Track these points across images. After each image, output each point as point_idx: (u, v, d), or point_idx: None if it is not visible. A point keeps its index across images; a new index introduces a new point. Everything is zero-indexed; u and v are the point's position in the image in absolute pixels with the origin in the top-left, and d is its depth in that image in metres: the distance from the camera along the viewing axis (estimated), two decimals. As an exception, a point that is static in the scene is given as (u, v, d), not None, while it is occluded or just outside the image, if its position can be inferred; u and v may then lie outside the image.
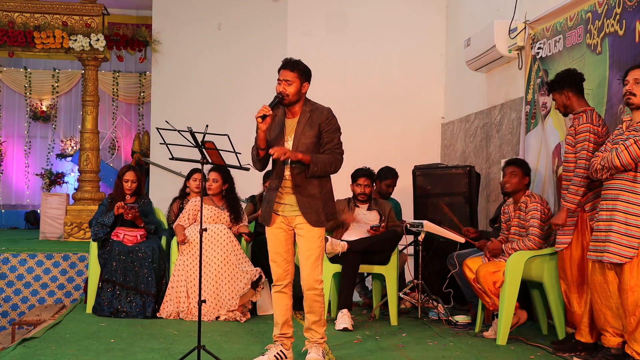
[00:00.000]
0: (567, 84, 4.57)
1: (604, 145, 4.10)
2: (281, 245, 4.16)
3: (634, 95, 3.98)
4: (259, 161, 4.20)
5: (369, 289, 6.63)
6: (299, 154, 4.01)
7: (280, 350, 4.15)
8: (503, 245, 5.04)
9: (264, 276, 5.80)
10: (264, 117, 3.99)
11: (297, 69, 4.09)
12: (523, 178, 5.16)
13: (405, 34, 8.60)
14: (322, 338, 4.18)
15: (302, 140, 4.07)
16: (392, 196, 6.86)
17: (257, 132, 4.14)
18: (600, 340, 4.40)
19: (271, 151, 4.02)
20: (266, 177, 6.55)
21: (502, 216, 5.34)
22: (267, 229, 4.21)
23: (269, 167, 6.36)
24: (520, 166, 5.19)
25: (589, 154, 4.31)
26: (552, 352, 4.60)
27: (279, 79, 4.12)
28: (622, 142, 3.93)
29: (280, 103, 4.11)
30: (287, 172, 4.10)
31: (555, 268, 4.85)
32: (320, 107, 4.17)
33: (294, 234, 4.18)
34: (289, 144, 4.10)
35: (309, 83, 4.16)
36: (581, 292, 4.51)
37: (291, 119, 4.15)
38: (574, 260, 4.50)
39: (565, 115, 4.72)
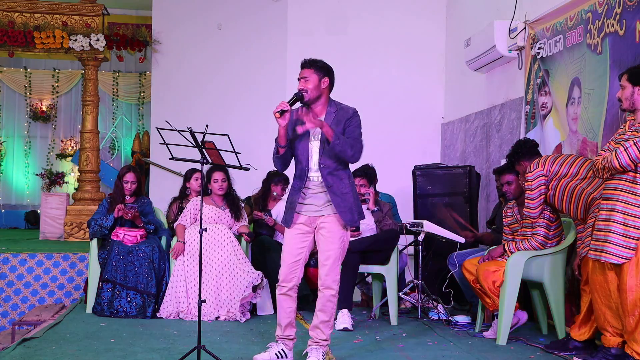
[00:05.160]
0: (521, 155, 5.00)
1: (608, 144, 4.12)
2: (295, 246, 4.11)
3: (621, 101, 4.08)
4: (279, 159, 4.14)
5: (370, 282, 6.60)
6: (325, 127, 3.96)
7: (282, 349, 4.14)
8: (506, 245, 5.02)
9: (265, 279, 5.80)
10: (282, 112, 3.94)
11: (314, 65, 4.08)
12: (519, 181, 5.16)
13: (405, 34, 8.60)
14: (325, 340, 4.15)
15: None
16: (387, 192, 6.85)
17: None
18: (592, 339, 4.46)
19: (304, 118, 3.95)
20: (281, 181, 6.52)
21: (504, 219, 5.29)
22: (287, 230, 4.19)
23: (270, 168, 6.36)
24: (512, 172, 5.21)
25: (529, 202, 4.73)
26: (544, 349, 4.63)
27: (298, 79, 4.11)
28: (622, 142, 3.94)
29: (300, 100, 4.06)
30: (311, 174, 4.08)
31: (556, 268, 4.87)
32: (346, 107, 4.15)
33: (313, 238, 4.14)
34: (315, 144, 4.07)
35: (330, 79, 4.11)
36: (587, 291, 4.51)
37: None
38: (588, 258, 4.50)
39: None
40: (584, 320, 4.49)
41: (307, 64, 4.10)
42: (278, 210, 6.33)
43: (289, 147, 4.12)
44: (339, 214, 4.05)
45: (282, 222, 4.28)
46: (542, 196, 4.70)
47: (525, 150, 5.00)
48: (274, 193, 6.58)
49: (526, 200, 4.77)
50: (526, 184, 4.74)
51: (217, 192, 6.08)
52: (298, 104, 4.12)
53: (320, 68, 4.09)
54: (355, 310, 6.10)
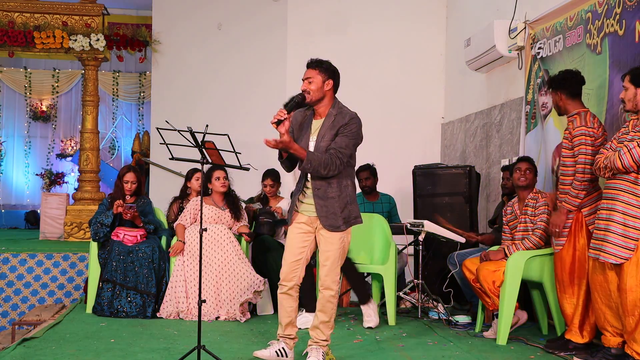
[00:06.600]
0: (562, 87, 4.60)
1: (610, 143, 4.11)
2: (296, 245, 4.12)
3: (624, 102, 4.07)
4: (284, 163, 4.15)
5: (369, 284, 6.61)
6: (295, 145, 3.93)
7: (283, 347, 4.14)
8: (505, 249, 5.02)
9: (267, 284, 5.80)
10: (278, 122, 3.91)
11: (319, 67, 4.06)
12: (535, 176, 5.18)
13: (405, 34, 8.60)
14: (325, 340, 4.15)
15: (321, 143, 4.02)
16: (387, 192, 6.90)
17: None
18: (592, 340, 4.47)
19: (265, 141, 3.91)
20: (265, 177, 6.57)
21: (504, 217, 5.30)
22: (289, 227, 4.19)
23: (270, 167, 6.36)
24: (533, 164, 5.22)
25: (587, 157, 4.35)
26: (544, 349, 4.63)
27: (302, 79, 4.09)
28: (626, 142, 3.94)
29: (300, 103, 4.04)
30: (309, 175, 4.09)
31: (556, 268, 4.89)
32: (346, 111, 4.11)
33: (314, 237, 4.13)
34: (312, 144, 4.06)
35: (334, 81, 4.09)
36: (570, 292, 4.52)
37: (318, 119, 4.11)
38: (565, 261, 4.51)
39: (559, 114, 4.74)
40: (579, 326, 4.49)
41: (312, 65, 4.08)
42: (285, 206, 6.38)
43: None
44: (319, 217, 4.05)
45: (286, 220, 4.30)
46: (582, 156, 4.37)
47: (569, 84, 4.59)
48: (264, 190, 6.61)
49: (563, 151, 4.55)
50: (573, 133, 4.44)
51: (220, 189, 6.07)
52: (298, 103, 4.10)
53: (325, 70, 4.06)
54: (355, 311, 6.10)
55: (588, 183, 4.37)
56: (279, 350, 4.12)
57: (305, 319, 5.10)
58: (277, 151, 4.12)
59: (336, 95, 4.19)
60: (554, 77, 4.70)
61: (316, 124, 4.11)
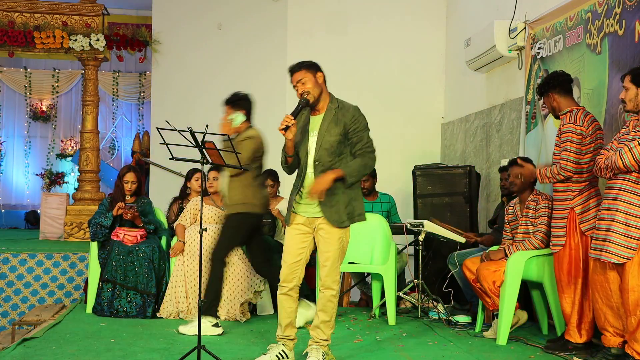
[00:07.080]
0: (551, 87, 4.63)
1: (610, 144, 4.11)
2: (295, 246, 4.11)
3: (624, 102, 4.07)
4: (287, 167, 4.16)
5: (369, 283, 6.62)
6: (330, 176, 3.95)
7: (282, 350, 4.14)
8: (506, 248, 5.02)
9: (267, 284, 5.79)
10: (286, 128, 3.94)
11: (303, 67, 4.09)
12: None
13: (405, 34, 8.61)
14: (326, 340, 4.15)
15: (327, 137, 4.03)
16: (387, 192, 6.90)
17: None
18: (591, 340, 4.47)
19: (310, 195, 3.99)
20: (264, 177, 6.57)
21: (506, 217, 5.28)
22: (287, 228, 4.19)
23: (269, 167, 6.35)
24: (529, 164, 5.17)
25: (570, 154, 4.39)
26: (544, 349, 4.63)
27: (294, 86, 4.10)
28: (627, 142, 3.94)
29: (306, 106, 4.07)
30: (308, 170, 4.07)
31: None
32: (347, 105, 4.13)
33: (313, 238, 4.13)
34: (312, 140, 4.07)
35: (322, 72, 4.12)
36: (569, 292, 4.53)
37: (316, 115, 4.12)
38: (562, 260, 4.52)
39: (557, 118, 4.74)
40: (577, 325, 4.49)
41: (296, 68, 4.10)
42: (283, 207, 6.37)
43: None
44: (323, 212, 4.04)
45: (285, 220, 4.30)
46: (566, 152, 4.40)
47: (557, 83, 4.64)
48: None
49: (559, 153, 4.54)
50: (561, 129, 4.48)
51: (208, 189, 6.09)
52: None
53: (309, 66, 4.09)
54: (355, 310, 6.10)
55: (564, 178, 4.43)
56: (280, 353, 4.12)
57: (301, 316, 5.10)
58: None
59: (336, 94, 4.19)
60: (540, 85, 4.76)
61: (315, 120, 4.11)
